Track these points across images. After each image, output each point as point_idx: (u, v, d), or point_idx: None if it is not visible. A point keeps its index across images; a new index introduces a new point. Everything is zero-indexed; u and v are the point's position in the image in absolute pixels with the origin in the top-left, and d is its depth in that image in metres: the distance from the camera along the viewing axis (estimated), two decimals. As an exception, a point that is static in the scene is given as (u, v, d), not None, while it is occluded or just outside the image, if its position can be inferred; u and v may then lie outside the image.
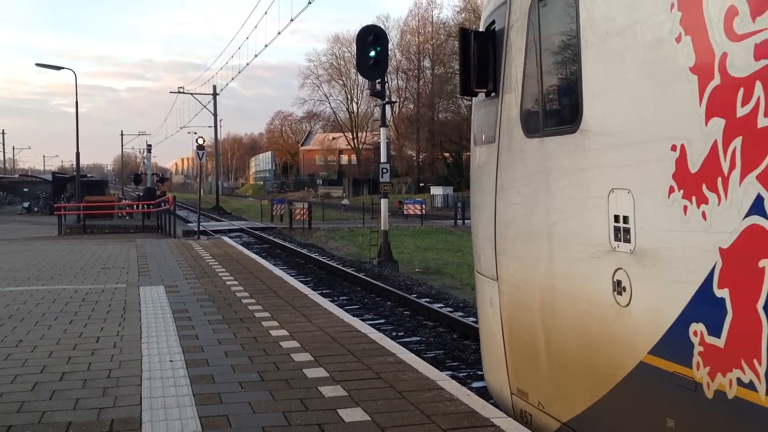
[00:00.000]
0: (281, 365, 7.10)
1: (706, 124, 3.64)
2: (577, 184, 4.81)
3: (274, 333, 8.56)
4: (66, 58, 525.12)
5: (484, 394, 6.26)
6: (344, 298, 16.27)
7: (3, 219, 42.73)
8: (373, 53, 19.45)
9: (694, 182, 3.75)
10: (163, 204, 29.25)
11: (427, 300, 15.19)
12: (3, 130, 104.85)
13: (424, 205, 44.34)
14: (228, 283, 12.81)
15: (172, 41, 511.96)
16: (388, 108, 30.59)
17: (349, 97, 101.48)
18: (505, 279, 5.85)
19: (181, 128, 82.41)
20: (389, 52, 23.41)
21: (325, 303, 10.60)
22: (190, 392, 6.20)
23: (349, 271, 19.66)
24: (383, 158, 23.84)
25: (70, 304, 10.79)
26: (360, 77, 66.20)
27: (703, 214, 3.71)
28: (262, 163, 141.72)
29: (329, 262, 22.14)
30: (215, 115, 64.03)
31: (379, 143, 26.31)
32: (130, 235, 27.44)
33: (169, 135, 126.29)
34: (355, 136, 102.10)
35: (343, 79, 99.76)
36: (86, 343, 8.15)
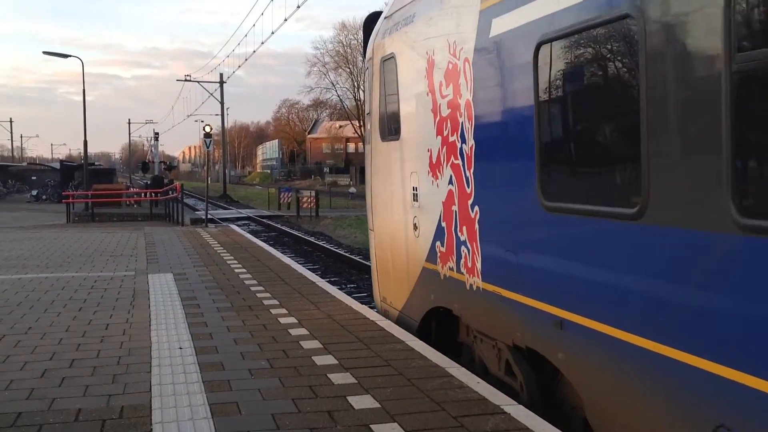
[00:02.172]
0: (290, 352, 7.09)
1: (435, 138, 7.25)
2: (400, 168, 8.40)
3: (282, 320, 8.56)
4: (72, 47, 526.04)
5: (495, 382, 6.23)
6: (352, 285, 16.27)
7: (12, 207, 42.87)
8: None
9: (434, 168, 7.34)
10: (170, 192, 29.27)
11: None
12: (11, 119, 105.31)
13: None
14: (236, 270, 12.82)
15: (177, 29, 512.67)
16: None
17: (356, 84, 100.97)
18: (375, 229, 9.64)
19: (188, 116, 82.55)
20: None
21: (333, 290, 10.59)
22: (199, 379, 6.20)
23: (356, 259, 19.65)
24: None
25: (79, 291, 10.81)
26: (367, 65, 65.84)
27: (437, 185, 7.28)
28: (269, 151, 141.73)
29: (337, 250, 22.14)
30: (222, 103, 63.94)
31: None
32: (138, 223, 27.48)
33: (176, 123, 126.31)
34: (362, 123, 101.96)
35: (350, 66, 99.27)
36: (96, 331, 8.17)
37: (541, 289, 5.57)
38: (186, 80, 63.62)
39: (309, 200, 38.10)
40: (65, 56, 40.73)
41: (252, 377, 6.29)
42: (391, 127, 8.71)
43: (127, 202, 37.98)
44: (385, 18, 9.13)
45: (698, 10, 3.94)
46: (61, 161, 72.35)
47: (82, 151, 42.69)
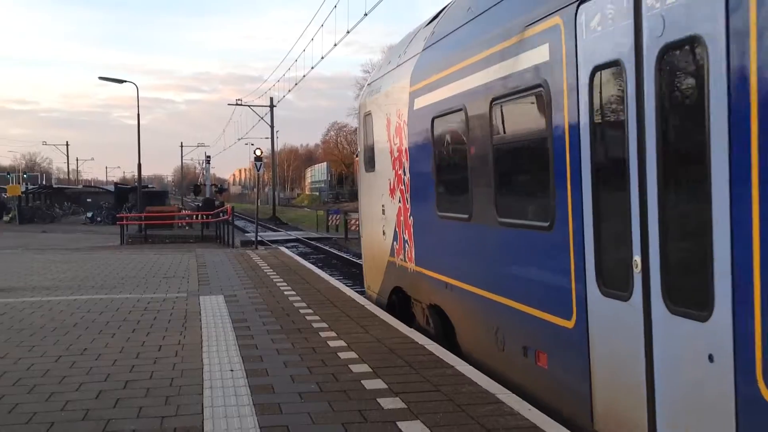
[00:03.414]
0: (339, 376, 7.11)
1: (392, 172, 10.46)
2: (376, 192, 11.44)
3: (331, 343, 8.58)
4: (125, 72, 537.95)
5: (545, 408, 6.15)
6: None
7: (68, 229, 43.87)
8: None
9: (392, 191, 10.53)
10: (221, 214, 29.66)
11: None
12: (67, 142, 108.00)
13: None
14: (285, 293, 12.91)
15: (228, 54, 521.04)
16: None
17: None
18: (363, 236, 13.01)
19: (239, 140, 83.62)
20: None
21: (381, 314, 10.58)
22: (250, 402, 6.25)
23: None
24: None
25: (133, 312, 11.00)
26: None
27: (393, 203, 10.45)
28: (317, 173, 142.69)
29: (385, 273, 22.09)
30: (272, 126, 64.79)
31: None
32: (189, 244, 27.87)
33: (227, 146, 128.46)
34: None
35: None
36: (149, 352, 8.30)
37: (439, 266, 8.99)
38: (237, 104, 64.74)
39: (357, 222, 38.24)
40: (121, 81, 41.67)
41: (302, 401, 6.31)
42: (370, 163, 11.89)
43: (179, 224, 38.56)
44: (368, 84, 12.68)
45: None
46: (116, 184, 73.97)
47: (136, 173, 43.55)
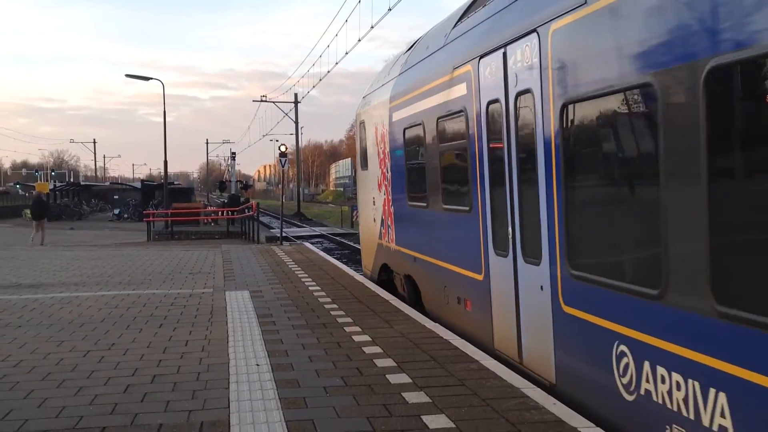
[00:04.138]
0: (364, 370, 7.13)
1: (379, 170, 13.25)
2: (369, 186, 14.28)
3: (356, 338, 8.61)
4: (151, 69, 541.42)
5: (570, 402, 6.12)
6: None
7: (95, 225, 44.36)
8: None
9: (379, 186, 13.27)
10: (246, 210, 29.82)
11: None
12: (94, 140, 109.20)
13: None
14: (310, 288, 12.96)
15: (252, 51, 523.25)
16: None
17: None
18: (361, 223, 16.07)
19: (264, 136, 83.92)
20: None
21: (406, 308, 10.59)
22: (276, 396, 6.29)
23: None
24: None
25: (160, 308, 11.11)
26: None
27: (381, 195, 13.23)
28: (342, 169, 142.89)
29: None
30: (296, 122, 64.91)
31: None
32: (215, 240, 28.06)
33: (251, 143, 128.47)
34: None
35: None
36: (175, 347, 8.37)
37: (409, 244, 11.57)
38: (262, 101, 64.94)
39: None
40: (147, 79, 42.03)
41: (327, 395, 6.34)
42: (365, 163, 14.56)
43: (205, 221, 38.83)
44: (363, 97, 15.20)
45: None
46: (142, 181, 74.58)
47: (162, 170, 43.89)
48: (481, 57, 7.97)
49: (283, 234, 26.53)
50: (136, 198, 59.42)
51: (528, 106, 6.82)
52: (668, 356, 4.74)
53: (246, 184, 75.45)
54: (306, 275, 14.88)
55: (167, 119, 41.20)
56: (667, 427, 4.77)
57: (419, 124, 10.43)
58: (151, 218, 31.20)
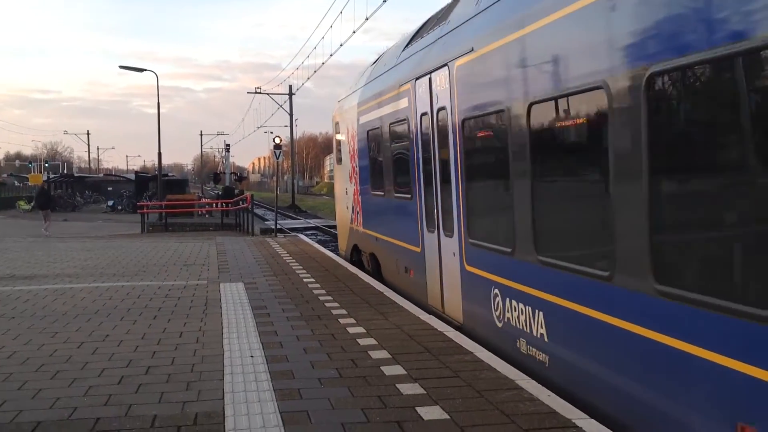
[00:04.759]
0: (359, 362, 7.14)
1: (350, 164, 15.63)
2: (343, 178, 16.73)
3: (351, 330, 8.61)
4: (145, 61, 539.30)
5: (565, 395, 6.14)
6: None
7: (89, 217, 44.26)
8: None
9: (350, 178, 15.68)
10: (241, 202, 29.76)
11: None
12: (88, 131, 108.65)
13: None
14: (305, 280, 12.96)
15: (247, 43, 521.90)
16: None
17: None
18: (337, 211, 18.73)
19: (258, 128, 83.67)
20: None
21: (400, 300, 10.61)
22: (270, 387, 6.30)
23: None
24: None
25: (154, 299, 11.10)
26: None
27: (352, 186, 15.57)
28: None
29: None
30: (291, 114, 64.76)
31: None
32: (209, 232, 28.02)
33: (246, 135, 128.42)
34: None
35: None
36: (170, 338, 8.37)
37: (373, 226, 13.72)
38: (256, 92, 64.67)
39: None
40: (141, 70, 41.85)
41: (322, 386, 6.35)
42: (340, 158, 16.90)
43: (199, 213, 38.74)
44: (338, 101, 17.30)
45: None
46: (136, 172, 74.33)
47: (156, 162, 43.77)
48: (417, 78, 10.24)
49: (278, 226, 26.49)
50: (130, 190, 59.20)
51: (444, 119, 9.13)
52: (518, 293, 7.09)
53: (240, 176, 75.33)
54: (300, 267, 14.88)
55: (161, 111, 41.08)
56: (517, 340, 7.10)
57: (378, 128, 12.72)
58: (145, 210, 31.11)
